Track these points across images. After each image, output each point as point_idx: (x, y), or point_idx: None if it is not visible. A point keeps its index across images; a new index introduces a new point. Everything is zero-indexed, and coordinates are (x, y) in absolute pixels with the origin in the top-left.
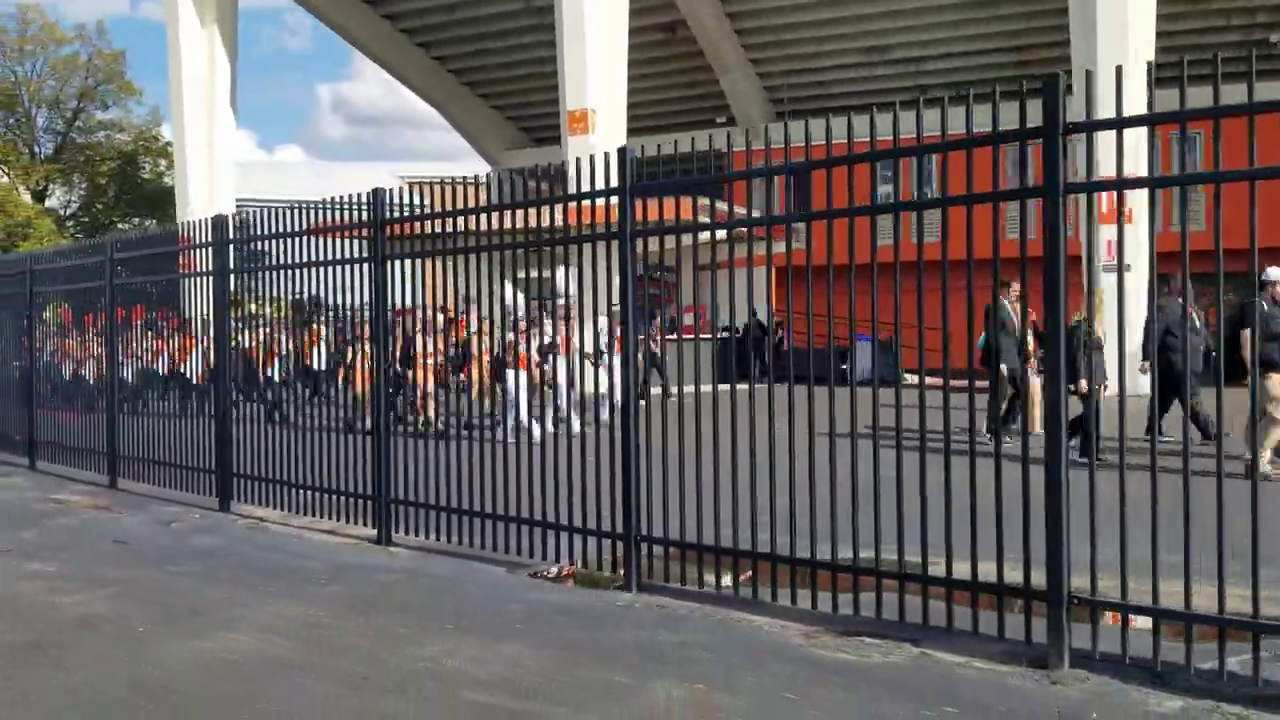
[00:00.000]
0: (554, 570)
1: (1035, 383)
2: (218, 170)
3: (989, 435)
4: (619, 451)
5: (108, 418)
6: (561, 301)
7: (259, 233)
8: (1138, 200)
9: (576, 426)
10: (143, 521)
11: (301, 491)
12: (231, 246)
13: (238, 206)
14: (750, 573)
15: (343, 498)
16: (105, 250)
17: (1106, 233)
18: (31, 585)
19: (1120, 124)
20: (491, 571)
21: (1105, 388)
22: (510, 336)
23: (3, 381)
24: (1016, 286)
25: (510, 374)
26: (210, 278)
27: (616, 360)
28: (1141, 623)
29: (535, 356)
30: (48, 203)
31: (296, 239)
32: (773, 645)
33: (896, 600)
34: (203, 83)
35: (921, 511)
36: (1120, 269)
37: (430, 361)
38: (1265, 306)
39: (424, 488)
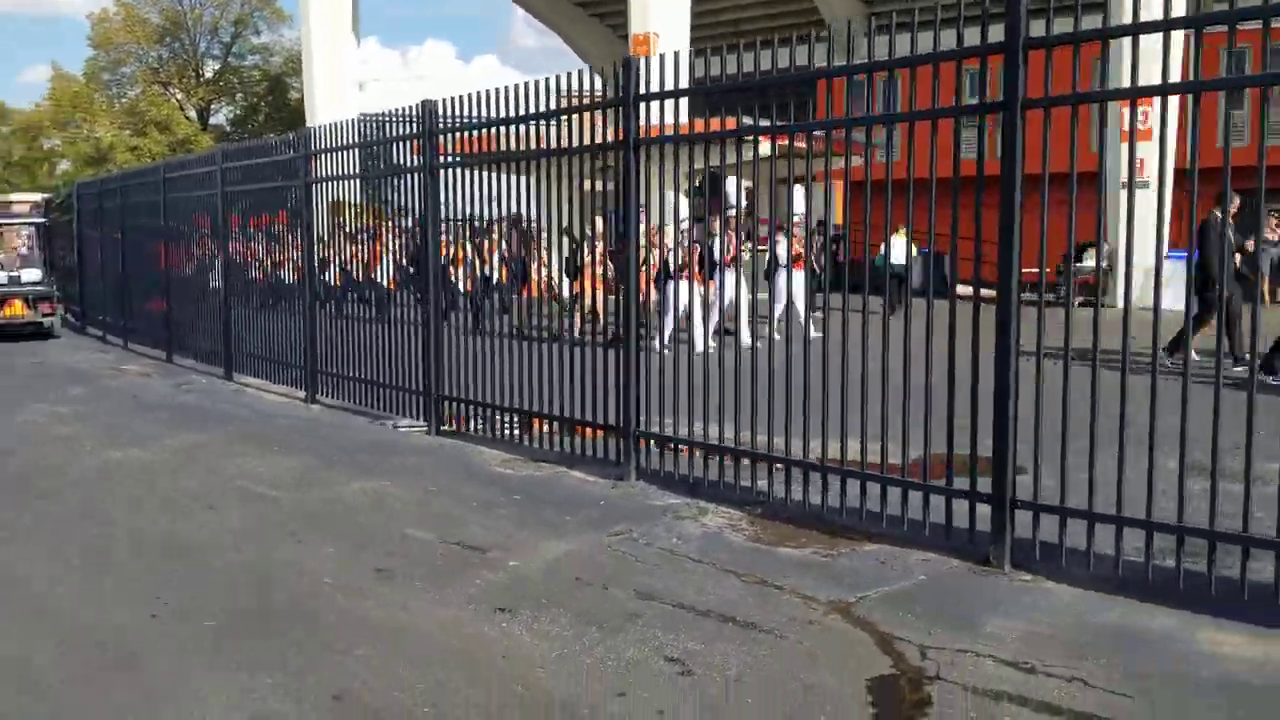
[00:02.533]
0: (404, 422)
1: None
2: (342, 91)
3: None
4: (427, 334)
5: (168, 310)
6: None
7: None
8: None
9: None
10: (163, 384)
11: (268, 363)
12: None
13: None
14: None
15: (287, 368)
16: (303, 144)
17: (1139, 149)
18: (44, 419)
19: (1076, 38)
20: (356, 421)
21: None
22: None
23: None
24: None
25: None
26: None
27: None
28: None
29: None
30: (211, 120)
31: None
32: (473, 466)
33: (577, 441)
34: (326, 13)
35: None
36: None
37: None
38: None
39: (340, 360)
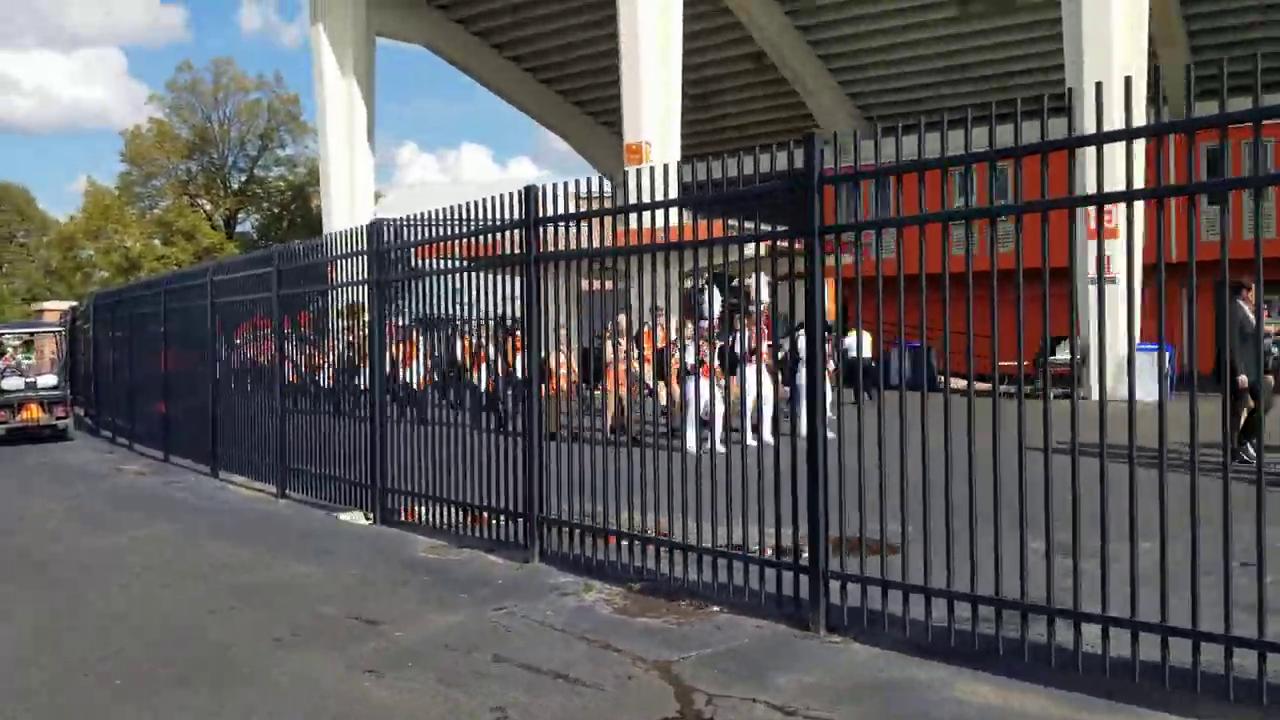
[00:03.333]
0: (355, 514)
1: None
2: (358, 200)
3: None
4: (371, 431)
5: (166, 413)
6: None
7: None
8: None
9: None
10: (154, 482)
11: (247, 461)
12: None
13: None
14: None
15: (262, 466)
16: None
17: (1108, 247)
18: (41, 509)
19: (857, 176)
20: (315, 514)
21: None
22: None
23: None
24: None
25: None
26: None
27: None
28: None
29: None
30: (237, 229)
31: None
32: (402, 551)
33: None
34: (343, 128)
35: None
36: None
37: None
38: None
39: (305, 457)
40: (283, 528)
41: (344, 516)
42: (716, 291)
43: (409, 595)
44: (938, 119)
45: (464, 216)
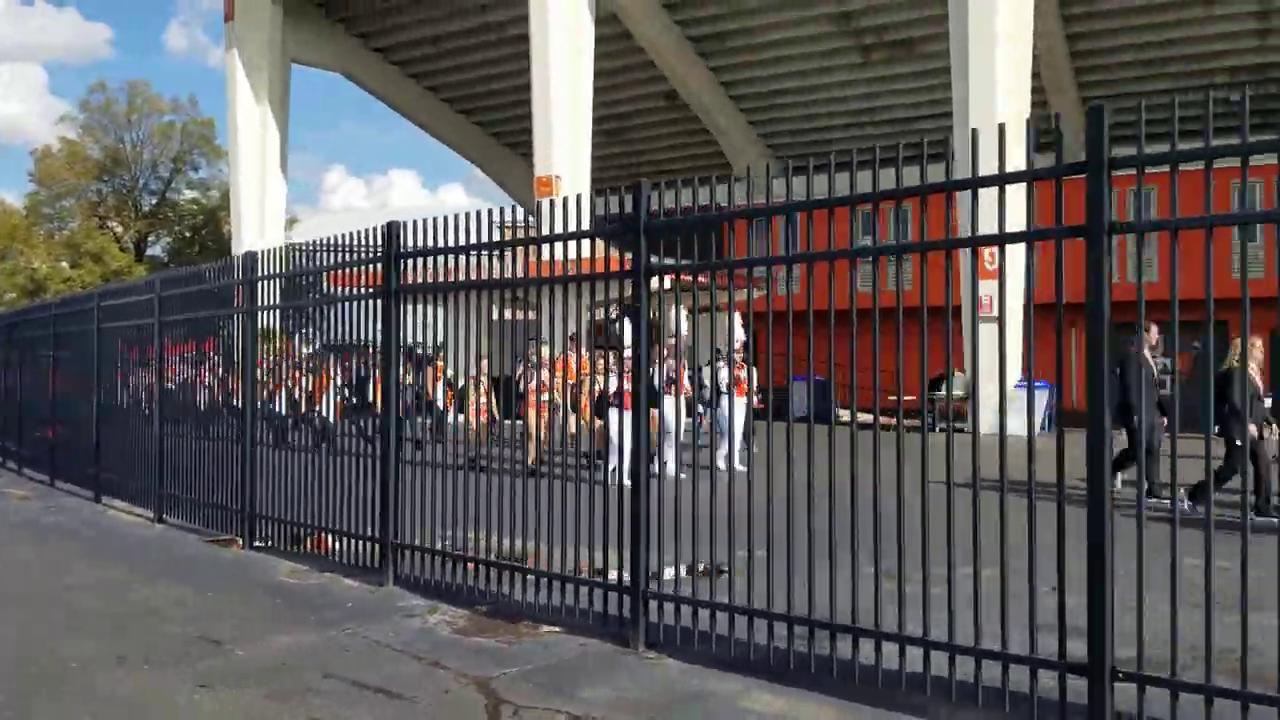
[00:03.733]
0: (223, 538)
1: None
2: (269, 224)
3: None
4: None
5: (50, 439)
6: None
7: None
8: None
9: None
10: (36, 506)
11: (127, 487)
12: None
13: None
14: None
15: (141, 491)
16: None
17: (986, 287)
18: None
19: (683, 223)
20: (188, 539)
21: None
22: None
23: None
24: (1155, 331)
25: (615, 413)
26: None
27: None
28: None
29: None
30: (148, 253)
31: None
32: (263, 576)
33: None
34: (255, 153)
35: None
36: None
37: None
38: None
39: (181, 482)
40: (153, 552)
41: (216, 542)
42: (628, 322)
43: (259, 617)
44: (804, 164)
45: (332, 246)
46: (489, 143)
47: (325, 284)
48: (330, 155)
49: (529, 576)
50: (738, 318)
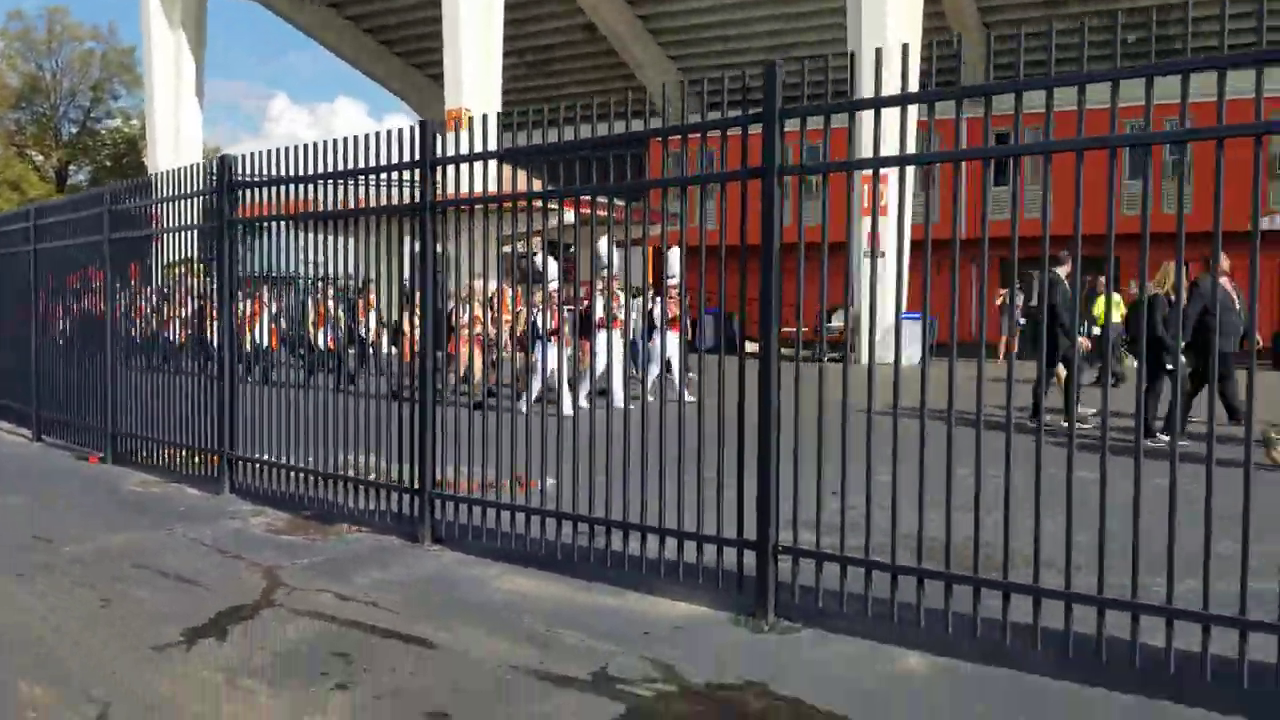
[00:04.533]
0: (90, 453)
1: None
2: (184, 153)
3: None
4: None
5: None
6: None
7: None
8: (893, 190)
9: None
10: None
11: (12, 409)
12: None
13: None
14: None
15: (20, 410)
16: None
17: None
18: None
19: (471, 157)
20: (57, 455)
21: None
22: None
23: None
24: (1068, 264)
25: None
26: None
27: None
28: None
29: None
30: (70, 181)
31: None
32: (114, 486)
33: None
34: (169, 81)
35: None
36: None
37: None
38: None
39: (62, 405)
40: (19, 467)
41: (82, 459)
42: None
43: (97, 520)
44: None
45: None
46: (410, 73)
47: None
48: (275, 83)
49: (343, 484)
50: (675, 251)
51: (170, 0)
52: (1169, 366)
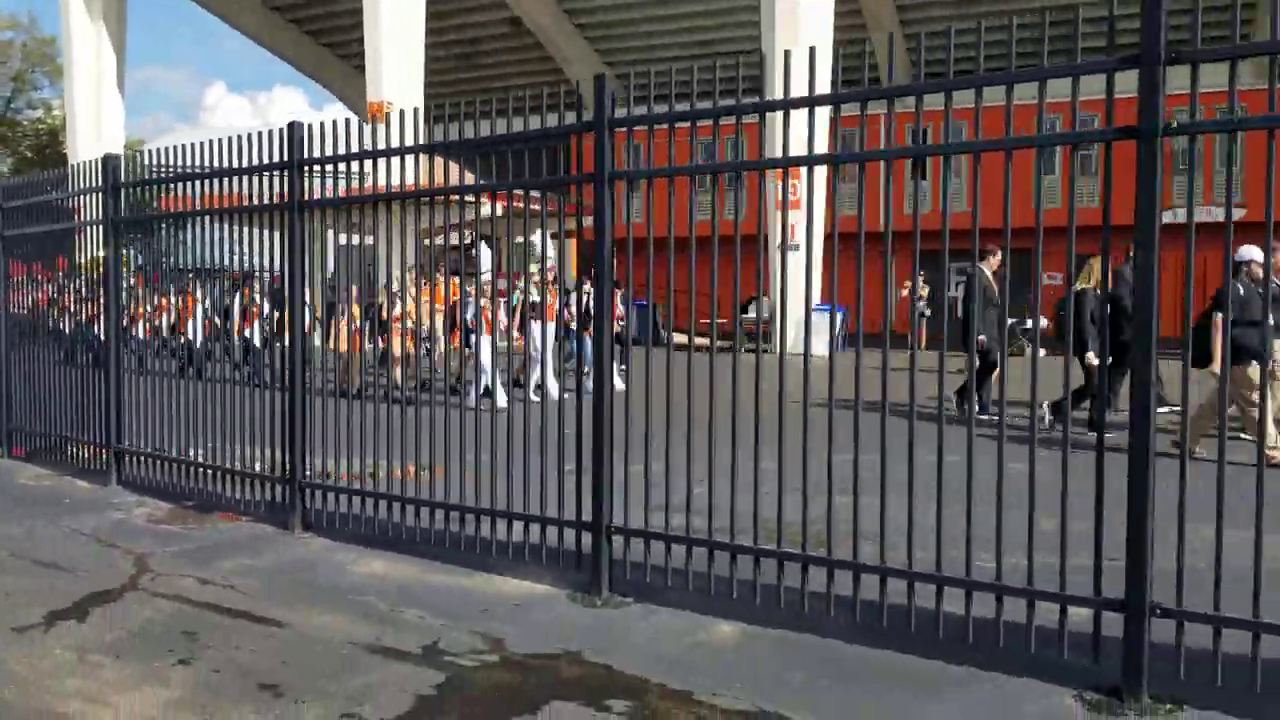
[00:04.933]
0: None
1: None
2: (106, 145)
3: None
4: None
5: None
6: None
7: None
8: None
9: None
10: None
11: None
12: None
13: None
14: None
15: None
16: None
17: (792, 216)
18: None
19: (335, 159)
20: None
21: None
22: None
23: None
24: (998, 256)
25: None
26: None
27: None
28: None
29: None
30: None
31: None
32: (5, 481)
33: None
34: (90, 72)
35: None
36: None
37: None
38: (1241, 289)
39: None
40: None
41: None
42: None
43: None
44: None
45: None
46: (336, 63)
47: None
48: (212, 71)
49: (222, 474)
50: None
51: None
52: (1092, 358)
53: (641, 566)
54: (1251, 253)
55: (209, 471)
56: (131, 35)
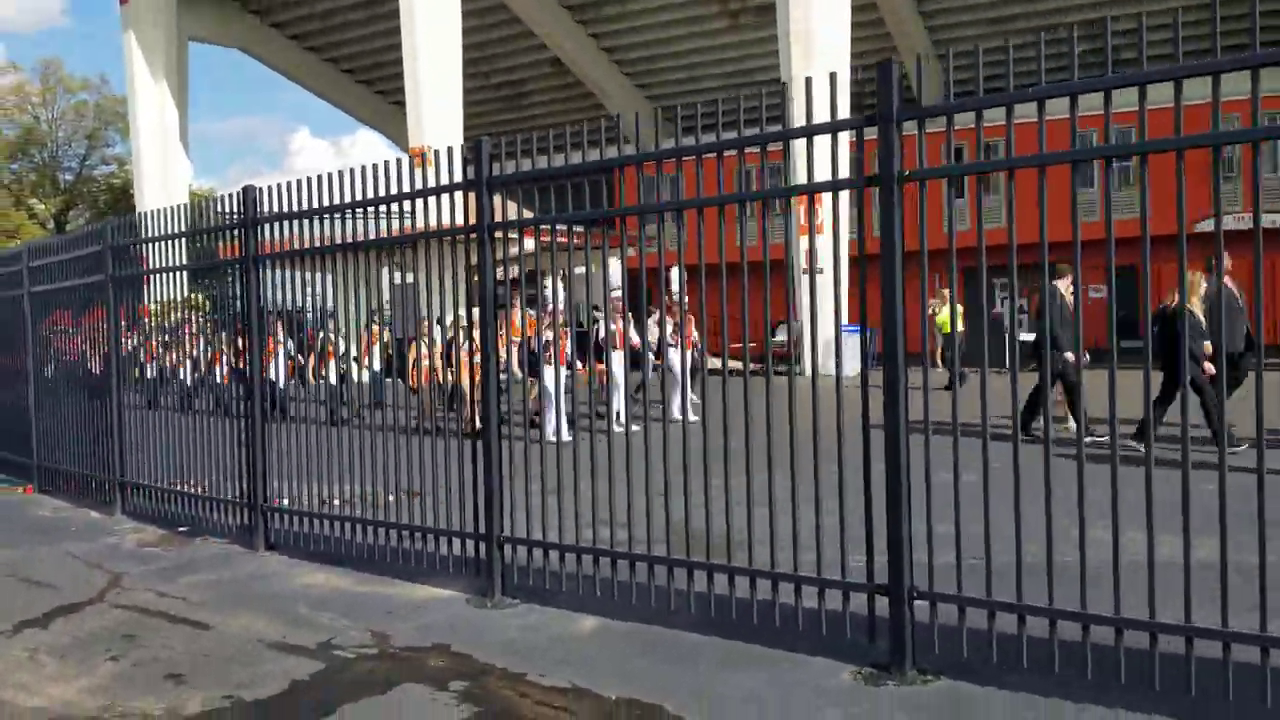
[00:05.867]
0: (20, 484)
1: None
2: (172, 196)
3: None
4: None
5: None
6: (615, 295)
7: None
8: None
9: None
10: None
11: None
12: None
13: None
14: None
15: None
16: None
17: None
18: None
19: (285, 217)
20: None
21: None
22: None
23: None
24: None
25: (549, 370)
26: None
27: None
28: None
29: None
30: (68, 228)
31: None
32: (26, 514)
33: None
34: (155, 129)
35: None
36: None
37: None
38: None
39: None
40: None
41: (13, 489)
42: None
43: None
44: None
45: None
46: (391, 110)
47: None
48: (298, 118)
49: (202, 501)
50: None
51: (153, 54)
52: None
53: (537, 572)
54: None
55: (192, 500)
56: (222, 86)
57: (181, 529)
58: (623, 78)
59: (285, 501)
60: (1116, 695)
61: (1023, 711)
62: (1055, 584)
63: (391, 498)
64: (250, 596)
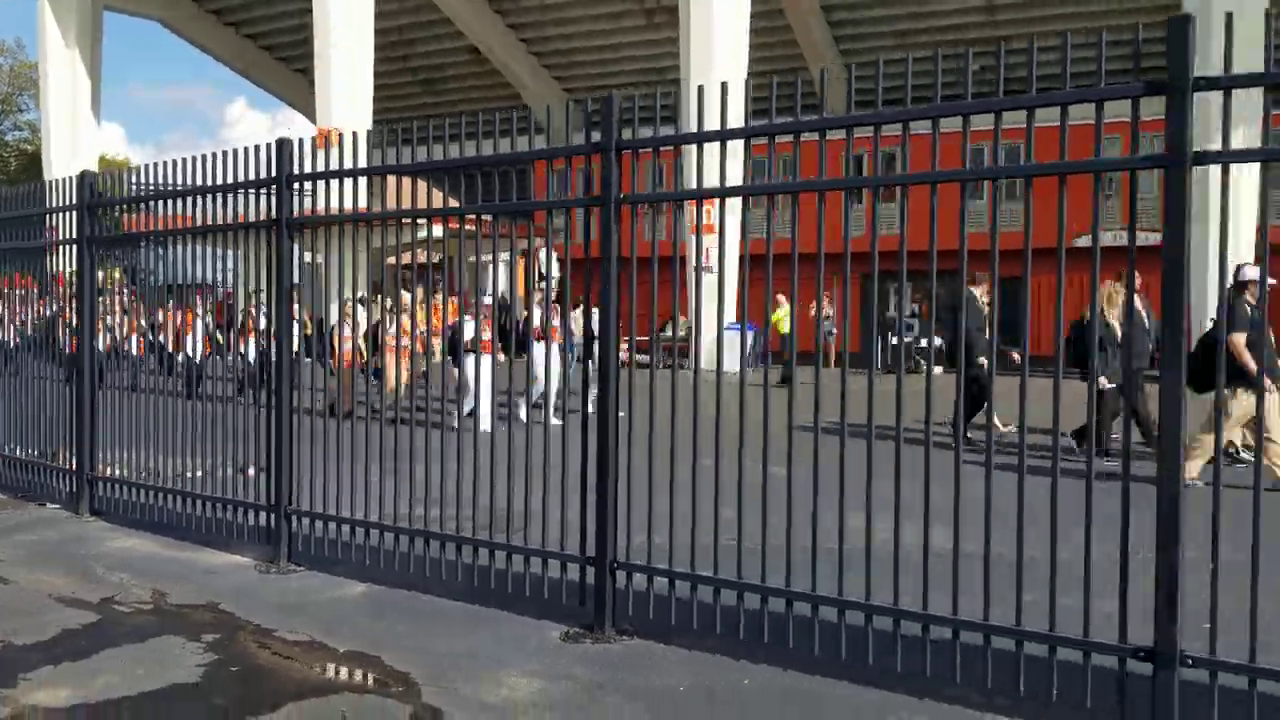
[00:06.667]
0: None
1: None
2: (81, 165)
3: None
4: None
5: None
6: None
7: None
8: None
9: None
10: None
11: None
12: None
13: None
14: None
15: None
16: None
17: (707, 240)
18: None
19: (130, 199)
20: None
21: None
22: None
23: None
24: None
25: (471, 359)
26: None
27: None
28: None
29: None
30: None
31: None
32: None
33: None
34: (66, 96)
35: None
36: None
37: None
38: (1247, 310)
39: None
40: None
41: None
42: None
43: None
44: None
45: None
46: (297, 80)
47: None
48: (236, 89)
49: (37, 468)
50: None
51: (66, 20)
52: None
53: (318, 541)
54: (1253, 273)
55: (31, 467)
56: (159, 53)
57: (18, 495)
58: (540, 70)
59: (116, 471)
60: (780, 656)
61: (685, 665)
62: (791, 566)
63: (200, 471)
64: (60, 556)
